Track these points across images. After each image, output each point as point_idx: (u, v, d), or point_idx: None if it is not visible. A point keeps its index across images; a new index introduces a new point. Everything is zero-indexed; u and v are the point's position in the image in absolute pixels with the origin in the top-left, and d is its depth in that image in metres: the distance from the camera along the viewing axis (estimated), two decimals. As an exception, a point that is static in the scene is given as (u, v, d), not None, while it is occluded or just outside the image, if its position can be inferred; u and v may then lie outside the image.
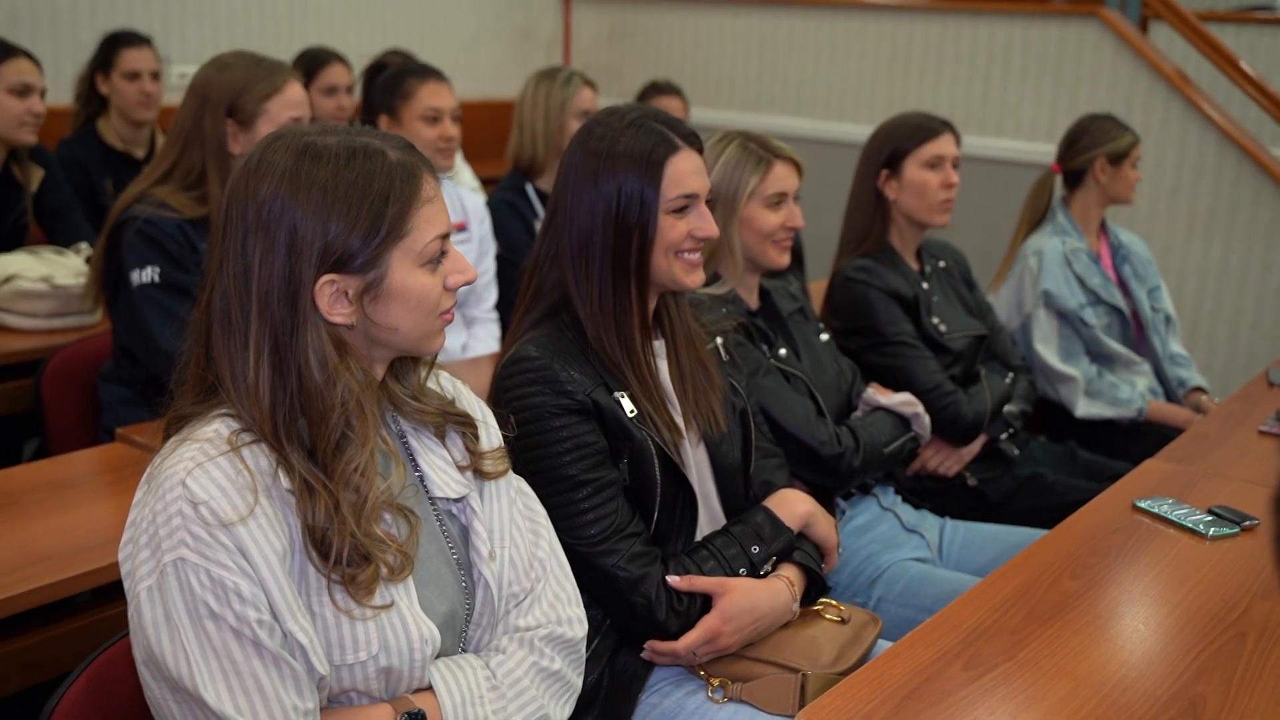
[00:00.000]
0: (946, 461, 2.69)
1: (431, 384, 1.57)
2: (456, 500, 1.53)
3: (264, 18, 5.04)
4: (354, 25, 5.27)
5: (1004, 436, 2.73)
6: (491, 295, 3.21)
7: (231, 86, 2.56)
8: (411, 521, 1.44)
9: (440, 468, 1.53)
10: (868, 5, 5.49)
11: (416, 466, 1.51)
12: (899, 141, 2.72)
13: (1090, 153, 3.22)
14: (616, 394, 1.81)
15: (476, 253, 3.18)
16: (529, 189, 3.43)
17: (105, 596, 1.95)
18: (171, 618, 1.28)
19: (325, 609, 1.36)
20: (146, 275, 2.47)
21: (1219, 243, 4.66)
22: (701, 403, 1.93)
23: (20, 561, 1.88)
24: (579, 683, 1.59)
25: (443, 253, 1.45)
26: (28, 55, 3.15)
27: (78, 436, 2.62)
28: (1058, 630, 1.73)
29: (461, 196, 3.19)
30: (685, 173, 1.85)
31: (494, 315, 3.20)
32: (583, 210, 1.84)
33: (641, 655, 1.84)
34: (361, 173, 1.39)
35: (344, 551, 1.36)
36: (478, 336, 3.11)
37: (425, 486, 1.51)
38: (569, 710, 1.56)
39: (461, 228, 3.14)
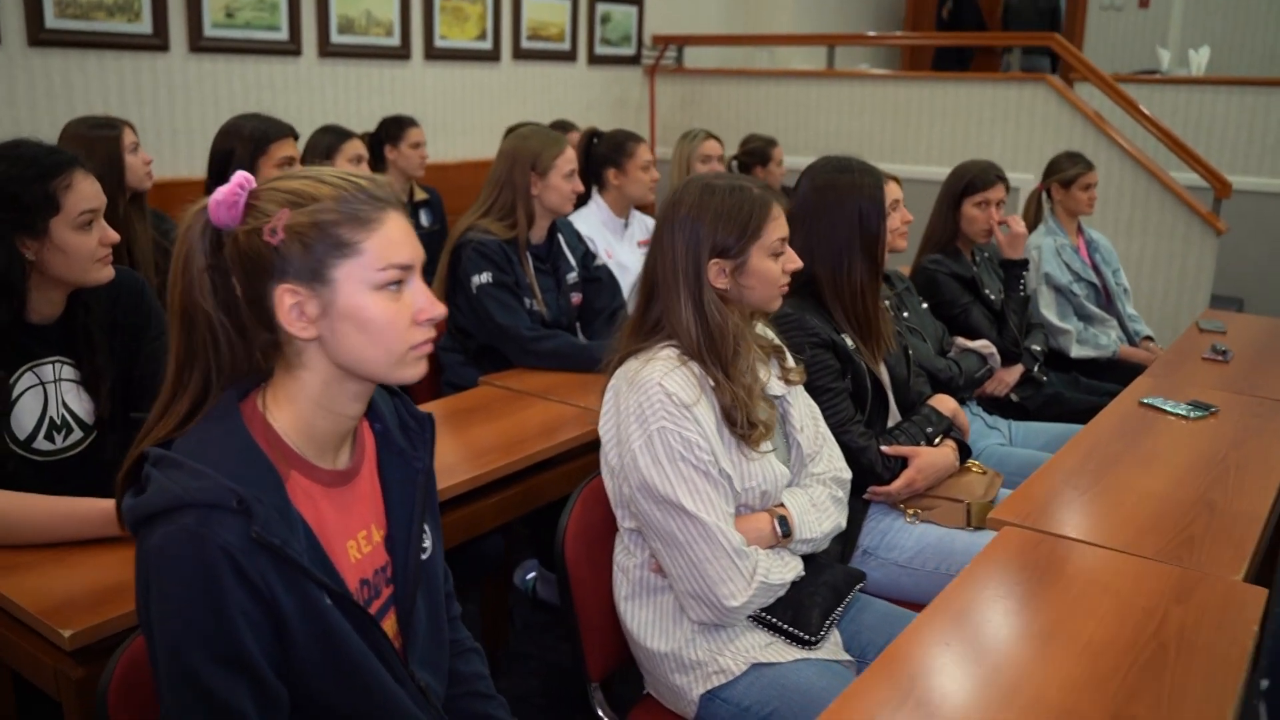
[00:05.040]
0: (997, 387, 3.06)
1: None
2: (778, 396, 1.87)
3: (450, 103, 5.29)
4: (515, 103, 5.55)
5: (1035, 369, 3.17)
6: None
7: (533, 151, 2.81)
8: (772, 405, 1.82)
9: (771, 377, 1.87)
10: (877, 76, 5.82)
11: (757, 377, 1.83)
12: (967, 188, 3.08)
13: (1049, 179, 3.63)
14: (842, 334, 2.18)
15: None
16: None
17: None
18: (659, 461, 1.64)
19: (734, 456, 1.72)
20: (483, 278, 2.71)
21: (1136, 239, 5.00)
22: (884, 340, 2.27)
23: (493, 446, 2.21)
24: (848, 506, 1.94)
25: (783, 251, 1.79)
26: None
27: (428, 389, 2.88)
28: (1124, 464, 2.14)
29: (647, 223, 3.54)
30: (890, 190, 2.29)
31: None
32: (835, 225, 2.18)
33: (863, 497, 2.17)
34: (738, 200, 1.74)
35: (743, 421, 1.71)
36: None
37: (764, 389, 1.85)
38: (845, 522, 1.91)
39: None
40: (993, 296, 3.09)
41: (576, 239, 3.04)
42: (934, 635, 1.54)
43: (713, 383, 1.72)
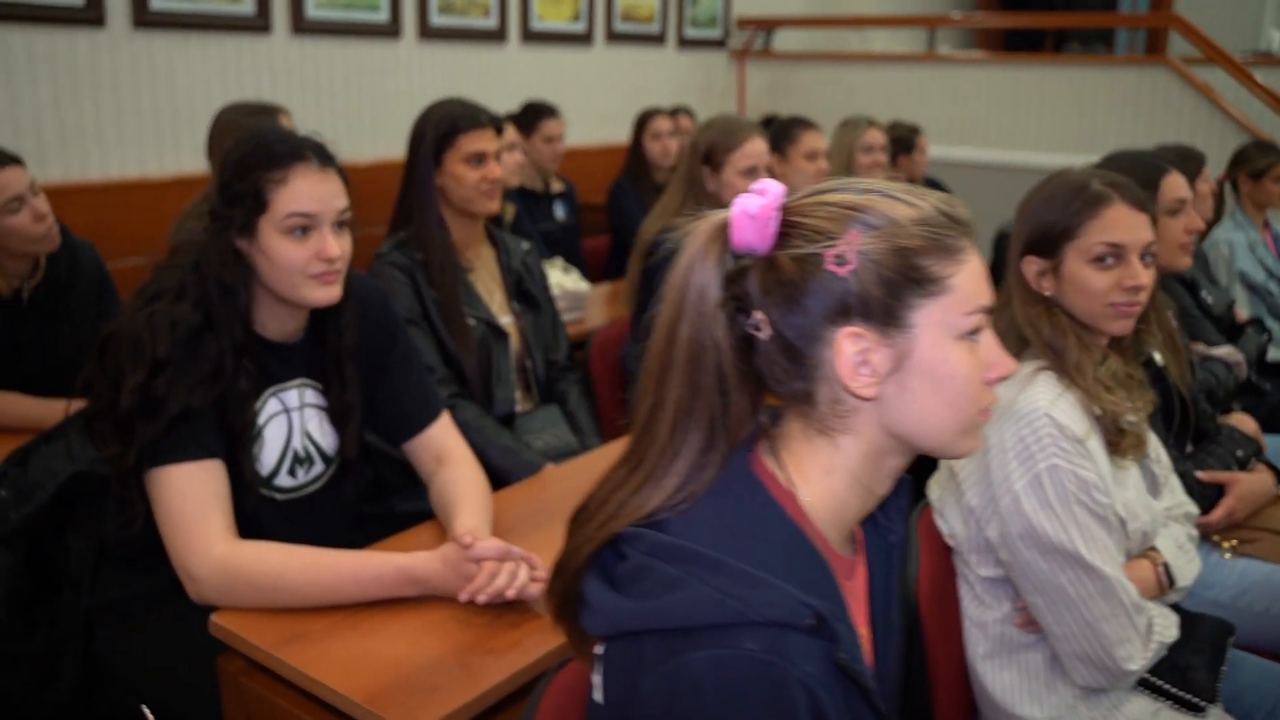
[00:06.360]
0: (1216, 396, 2.86)
1: None
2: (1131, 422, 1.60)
3: (543, 87, 4.93)
4: (604, 87, 5.30)
5: (1252, 375, 2.92)
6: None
7: (708, 142, 2.59)
8: (1139, 418, 1.56)
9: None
10: (979, 60, 5.57)
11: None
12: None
13: (1235, 170, 3.41)
14: (1151, 352, 1.92)
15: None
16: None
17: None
18: (1050, 504, 1.42)
19: (1120, 495, 1.51)
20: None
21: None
22: (1179, 354, 2.01)
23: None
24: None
25: (1117, 260, 1.55)
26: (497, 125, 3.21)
27: (613, 387, 2.66)
28: None
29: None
30: (1169, 186, 2.01)
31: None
32: None
33: (1171, 528, 1.95)
34: (1057, 189, 1.57)
35: (1111, 426, 1.51)
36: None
37: None
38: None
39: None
40: (1210, 300, 2.85)
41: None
42: None
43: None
